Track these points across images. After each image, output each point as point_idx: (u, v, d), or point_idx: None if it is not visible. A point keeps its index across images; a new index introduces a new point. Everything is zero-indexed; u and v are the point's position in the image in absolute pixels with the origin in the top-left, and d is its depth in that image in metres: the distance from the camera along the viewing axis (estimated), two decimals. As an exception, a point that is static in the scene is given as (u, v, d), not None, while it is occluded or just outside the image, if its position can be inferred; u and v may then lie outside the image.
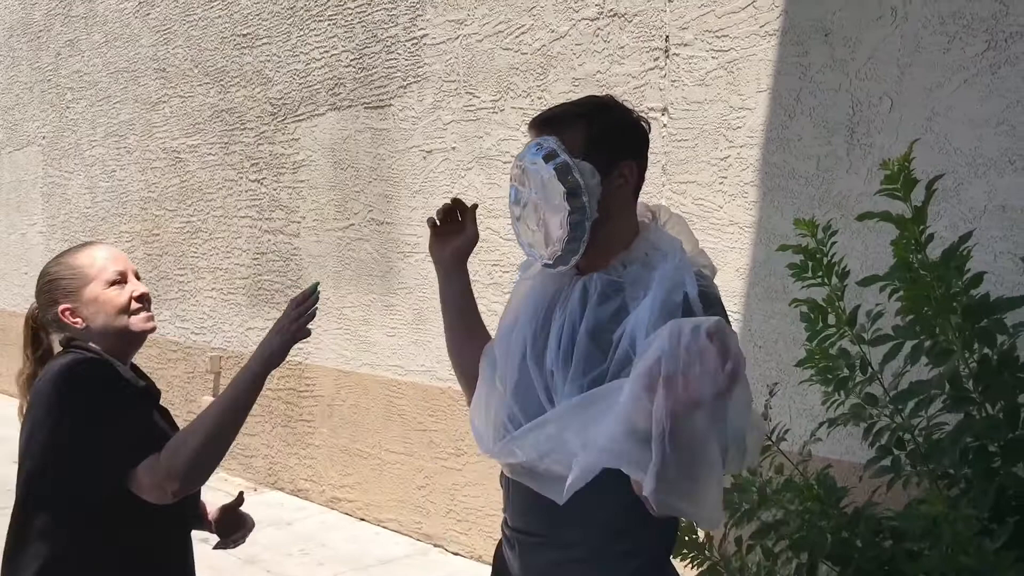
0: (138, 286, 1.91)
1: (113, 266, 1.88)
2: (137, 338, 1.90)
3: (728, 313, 1.56)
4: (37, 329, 1.91)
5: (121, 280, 1.88)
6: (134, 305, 1.88)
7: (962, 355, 1.85)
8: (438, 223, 1.73)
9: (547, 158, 1.50)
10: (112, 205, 6.65)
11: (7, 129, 7.87)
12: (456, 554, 4.26)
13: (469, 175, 4.13)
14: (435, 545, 4.37)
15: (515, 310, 1.65)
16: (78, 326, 1.85)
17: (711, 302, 1.48)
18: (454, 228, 1.73)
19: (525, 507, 1.59)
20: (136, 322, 1.88)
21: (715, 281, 1.60)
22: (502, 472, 1.68)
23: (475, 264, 4.06)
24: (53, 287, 1.87)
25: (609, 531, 1.53)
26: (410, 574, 4.09)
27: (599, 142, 1.53)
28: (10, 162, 7.85)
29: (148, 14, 6.20)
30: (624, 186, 1.55)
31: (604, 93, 1.66)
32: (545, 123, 1.57)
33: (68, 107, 7.08)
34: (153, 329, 1.93)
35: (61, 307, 1.84)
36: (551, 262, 1.53)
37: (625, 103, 1.63)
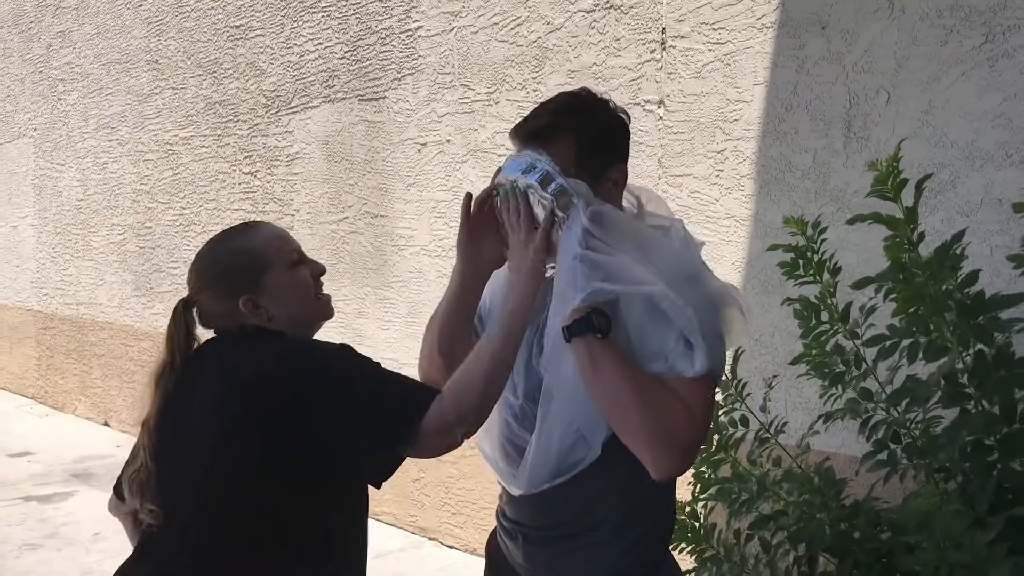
0: (315, 264, 1.74)
1: (288, 246, 1.70)
2: (320, 323, 1.74)
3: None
4: (191, 324, 1.69)
5: (300, 260, 1.71)
6: (318, 287, 1.72)
7: (958, 352, 1.85)
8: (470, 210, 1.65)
9: (543, 182, 1.47)
10: (104, 197, 6.62)
11: (-2, 121, 7.82)
12: (451, 547, 4.26)
13: (464, 168, 4.12)
14: (430, 538, 4.37)
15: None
16: (260, 317, 1.64)
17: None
18: (488, 222, 1.64)
19: (527, 501, 1.59)
20: (324, 307, 1.73)
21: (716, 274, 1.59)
22: None
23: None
24: (229, 278, 1.65)
25: (612, 522, 1.54)
26: (405, 567, 4.09)
27: (589, 154, 1.51)
28: (2, 154, 7.80)
29: (140, 5, 6.16)
30: (613, 189, 1.55)
31: (580, 88, 1.63)
32: (531, 137, 1.53)
33: (60, 99, 7.03)
34: (333, 313, 1.76)
35: (242, 298, 1.63)
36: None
37: (602, 96, 1.59)
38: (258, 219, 1.82)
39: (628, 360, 1.44)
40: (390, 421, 1.51)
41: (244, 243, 1.68)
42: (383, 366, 1.58)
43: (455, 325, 1.68)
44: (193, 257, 1.74)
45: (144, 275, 6.29)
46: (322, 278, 1.74)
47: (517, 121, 1.59)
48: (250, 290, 1.63)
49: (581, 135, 1.52)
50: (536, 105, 1.62)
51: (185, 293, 1.72)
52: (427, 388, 1.56)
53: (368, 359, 1.59)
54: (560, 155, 1.49)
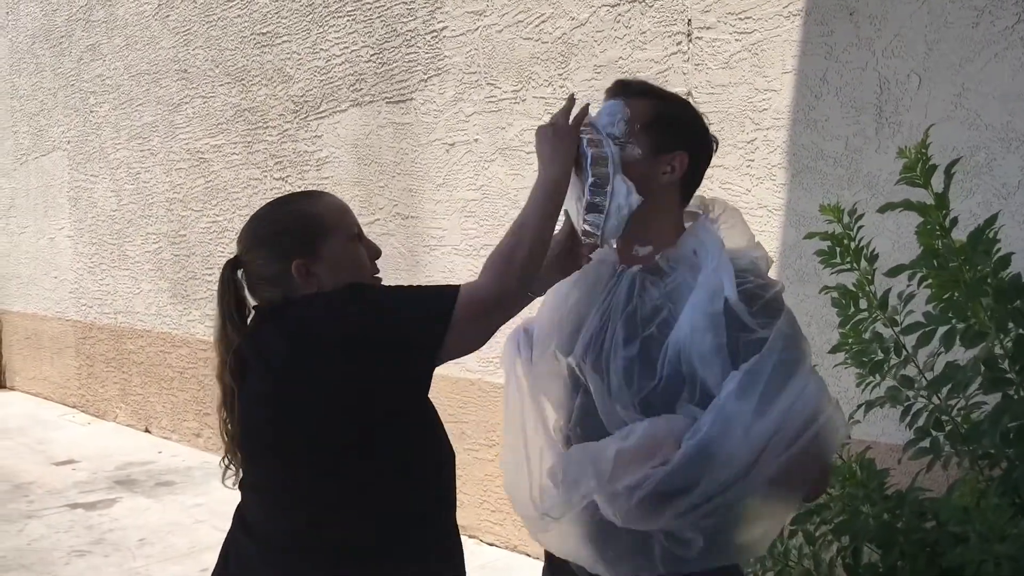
0: (373, 245, 1.66)
1: (350, 218, 1.63)
2: None
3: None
4: (240, 288, 1.61)
5: (359, 235, 1.63)
6: (374, 268, 1.65)
7: (996, 336, 1.82)
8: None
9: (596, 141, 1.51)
10: (138, 207, 6.70)
11: (33, 135, 7.95)
12: (491, 544, 4.27)
13: (493, 167, 4.12)
14: (470, 536, 4.38)
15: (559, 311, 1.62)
16: (310, 286, 1.56)
17: (757, 301, 1.43)
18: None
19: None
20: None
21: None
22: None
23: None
24: (284, 238, 1.56)
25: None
26: (446, 566, 4.11)
27: (661, 122, 1.52)
28: (37, 167, 7.93)
29: (168, 16, 6.23)
30: (670, 174, 1.53)
31: (689, 87, 1.66)
32: (621, 89, 1.57)
33: (92, 111, 7.13)
34: None
35: (295, 262, 1.54)
36: (582, 234, 1.55)
37: (703, 115, 1.62)
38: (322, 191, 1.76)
39: None
40: (428, 312, 1.49)
41: (306, 207, 1.61)
42: (393, 286, 1.58)
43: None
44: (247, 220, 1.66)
45: (180, 283, 6.36)
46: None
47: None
48: (305, 255, 1.55)
49: (662, 103, 1.55)
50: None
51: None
52: (447, 286, 1.53)
53: (378, 289, 1.58)
54: (636, 111, 1.52)
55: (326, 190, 1.95)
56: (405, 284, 1.60)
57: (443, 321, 1.47)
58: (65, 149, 7.51)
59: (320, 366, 1.49)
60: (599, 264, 1.60)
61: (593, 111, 1.59)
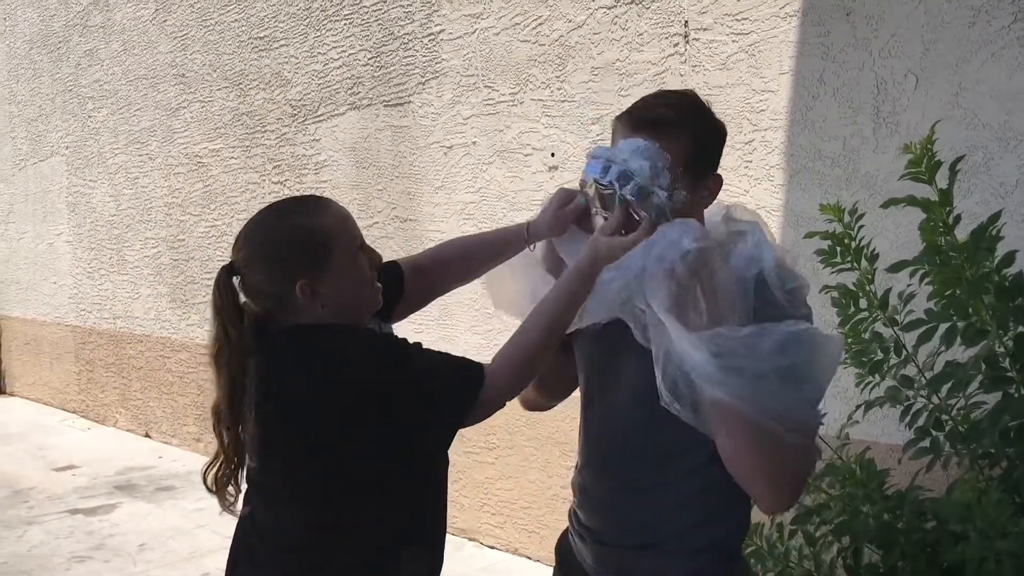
0: (374, 253, 1.58)
1: (355, 229, 1.54)
2: (368, 316, 1.59)
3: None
4: (236, 294, 1.53)
5: (362, 245, 1.55)
6: (374, 277, 1.57)
7: (997, 335, 1.82)
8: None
9: (641, 189, 1.45)
10: (137, 212, 6.70)
11: (31, 140, 7.95)
12: (492, 547, 4.27)
13: (491, 169, 4.13)
14: (470, 539, 4.38)
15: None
16: (314, 305, 1.49)
17: (790, 283, 1.44)
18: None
19: (603, 509, 1.61)
20: (376, 298, 1.58)
21: None
22: (575, 476, 1.70)
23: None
24: (288, 256, 1.49)
25: (682, 533, 1.54)
26: (447, 568, 4.08)
27: (698, 157, 1.49)
28: (35, 173, 7.93)
29: (165, 21, 6.23)
30: (708, 198, 1.53)
31: (686, 89, 1.61)
32: (648, 124, 1.47)
33: (90, 116, 7.14)
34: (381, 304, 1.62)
35: (300, 283, 1.47)
36: None
37: (706, 100, 1.57)
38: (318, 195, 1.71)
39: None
40: (454, 401, 1.49)
41: (310, 221, 1.51)
42: (423, 348, 1.54)
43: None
44: (246, 222, 1.58)
45: (179, 287, 6.36)
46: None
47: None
48: (310, 274, 1.48)
49: (697, 136, 1.48)
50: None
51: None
52: (473, 362, 1.51)
53: (410, 346, 1.53)
54: (672, 150, 1.45)
55: (325, 194, 1.94)
56: (433, 350, 1.55)
57: (469, 402, 1.48)
58: (63, 154, 7.51)
59: (337, 408, 1.46)
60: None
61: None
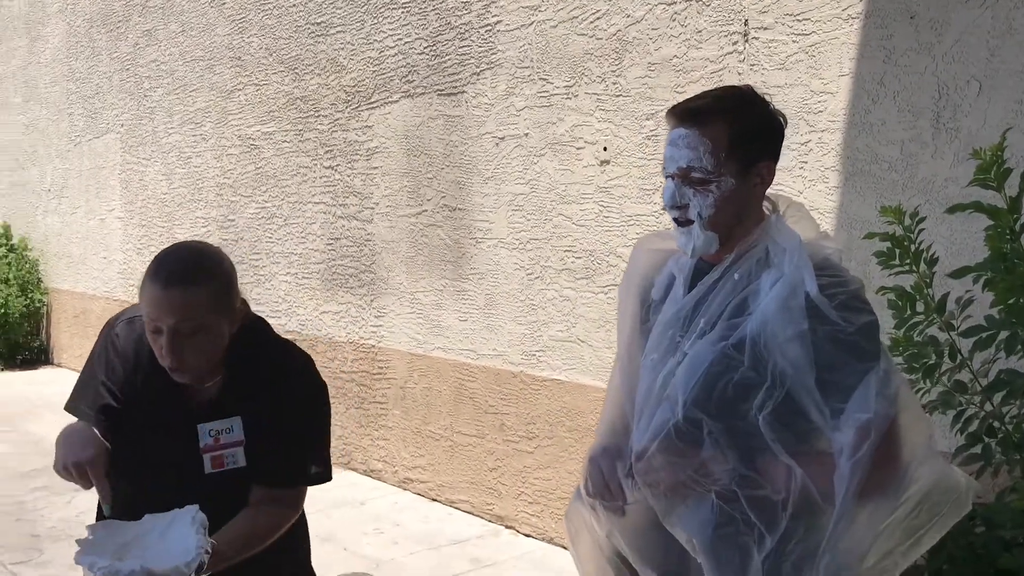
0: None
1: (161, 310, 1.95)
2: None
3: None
4: None
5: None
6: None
7: (1057, 344, 1.82)
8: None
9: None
10: (188, 191, 6.81)
11: (87, 117, 8.10)
12: (528, 535, 4.31)
13: (542, 161, 4.15)
14: (507, 526, 4.42)
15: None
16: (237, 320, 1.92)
17: (838, 297, 1.47)
18: None
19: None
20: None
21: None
22: None
23: (547, 250, 4.09)
24: (235, 280, 1.92)
25: None
26: (482, 554, 4.15)
27: (740, 142, 1.53)
28: (90, 149, 8.08)
29: (224, 3, 6.32)
30: (759, 186, 1.57)
31: (743, 84, 1.66)
32: (688, 115, 1.56)
33: (146, 95, 7.26)
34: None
35: (240, 299, 1.92)
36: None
37: (764, 95, 1.61)
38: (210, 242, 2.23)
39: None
40: (299, 469, 1.92)
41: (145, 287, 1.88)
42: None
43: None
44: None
45: (226, 267, 6.45)
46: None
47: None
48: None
49: (736, 121, 1.54)
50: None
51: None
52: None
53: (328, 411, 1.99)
54: (712, 136, 1.52)
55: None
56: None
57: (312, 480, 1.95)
58: (118, 132, 7.65)
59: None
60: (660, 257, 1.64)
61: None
